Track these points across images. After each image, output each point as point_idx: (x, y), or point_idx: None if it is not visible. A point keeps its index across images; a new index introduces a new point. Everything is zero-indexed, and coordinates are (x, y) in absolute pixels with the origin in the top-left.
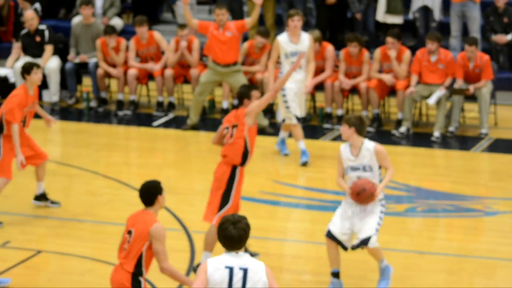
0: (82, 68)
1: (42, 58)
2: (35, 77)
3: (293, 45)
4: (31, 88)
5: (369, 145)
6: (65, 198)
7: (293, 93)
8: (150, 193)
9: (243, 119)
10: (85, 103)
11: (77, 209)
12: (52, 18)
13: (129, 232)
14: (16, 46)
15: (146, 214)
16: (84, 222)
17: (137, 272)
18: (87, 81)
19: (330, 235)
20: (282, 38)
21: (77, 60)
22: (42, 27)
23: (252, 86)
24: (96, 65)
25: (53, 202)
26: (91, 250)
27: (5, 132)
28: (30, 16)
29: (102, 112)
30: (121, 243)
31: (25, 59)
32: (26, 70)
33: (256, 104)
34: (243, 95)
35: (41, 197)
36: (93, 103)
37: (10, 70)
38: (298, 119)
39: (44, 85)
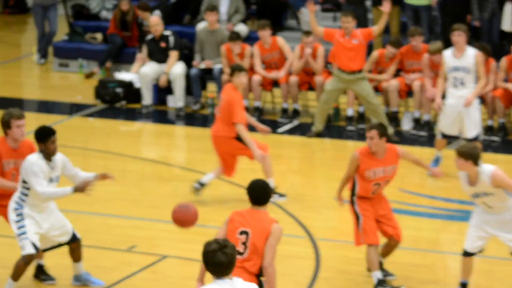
0: (207, 74)
1: (167, 64)
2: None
3: (456, 60)
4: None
5: (486, 171)
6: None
7: (452, 110)
8: (266, 192)
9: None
10: (210, 109)
11: (202, 214)
12: (177, 24)
13: (243, 233)
14: (141, 51)
15: (260, 213)
16: (209, 228)
17: (261, 274)
18: (212, 87)
19: (467, 254)
20: (447, 53)
21: (202, 66)
22: (167, 33)
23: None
24: (221, 71)
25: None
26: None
27: None
28: (155, 22)
29: None
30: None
31: (150, 65)
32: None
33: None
34: None
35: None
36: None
37: (135, 75)
38: (445, 135)
39: (169, 90)
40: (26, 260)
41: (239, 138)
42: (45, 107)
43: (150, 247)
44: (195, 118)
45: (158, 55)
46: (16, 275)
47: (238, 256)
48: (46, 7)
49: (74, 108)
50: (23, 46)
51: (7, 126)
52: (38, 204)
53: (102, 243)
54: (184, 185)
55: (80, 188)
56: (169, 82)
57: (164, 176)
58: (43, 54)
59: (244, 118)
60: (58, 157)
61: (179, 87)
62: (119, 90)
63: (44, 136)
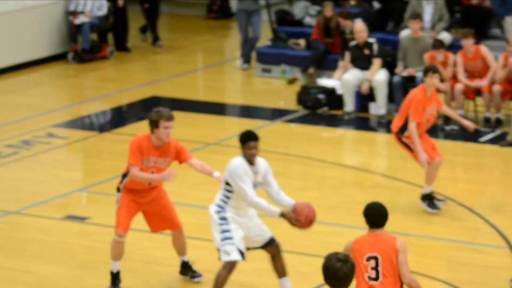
0: (409, 82)
1: (369, 71)
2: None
3: None
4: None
5: None
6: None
7: None
8: (383, 215)
9: None
10: None
11: (403, 223)
12: (380, 31)
13: (371, 258)
14: (344, 58)
15: (380, 235)
16: (410, 236)
17: None
18: None
19: None
20: None
21: (404, 74)
22: (371, 40)
23: None
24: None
25: (439, 200)
26: (413, 263)
27: None
28: (360, 28)
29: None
30: (361, 273)
31: (353, 72)
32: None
33: None
34: None
35: (426, 197)
36: None
37: (337, 82)
38: None
39: (371, 97)
40: (229, 268)
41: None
42: (247, 112)
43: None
44: None
45: (361, 62)
46: (219, 286)
47: (373, 282)
48: (250, 13)
49: (276, 114)
50: (226, 51)
51: (155, 124)
52: (240, 207)
53: (301, 248)
54: (384, 192)
55: (287, 217)
56: (371, 89)
57: (364, 183)
58: (246, 59)
59: (419, 118)
60: (262, 163)
61: (381, 94)
62: (321, 96)
63: (244, 140)
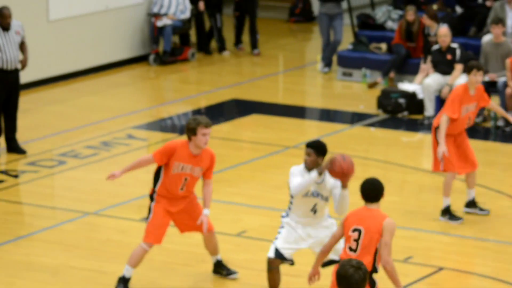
0: (490, 87)
1: (451, 76)
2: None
3: None
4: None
5: None
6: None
7: None
8: (377, 189)
9: None
10: (492, 121)
11: (478, 225)
12: (462, 36)
13: (356, 230)
14: (425, 62)
15: (372, 211)
16: (487, 241)
17: (373, 270)
18: (495, 100)
19: None
20: None
21: (486, 79)
22: (454, 45)
23: None
24: (505, 84)
25: (481, 209)
26: (492, 269)
27: None
28: (444, 33)
29: (510, 131)
30: (345, 243)
31: (434, 76)
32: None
33: None
34: None
35: (471, 204)
36: (500, 122)
37: (418, 86)
38: None
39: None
40: (268, 266)
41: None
42: (327, 115)
43: (426, 259)
44: (477, 131)
45: (443, 66)
46: (269, 284)
47: (350, 253)
48: (332, 16)
49: (356, 118)
50: (308, 54)
51: (193, 132)
52: (302, 215)
53: None
54: (463, 197)
55: (323, 168)
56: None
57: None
58: (327, 63)
59: (451, 113)
60: (328, 178)
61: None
62: (401, 100)
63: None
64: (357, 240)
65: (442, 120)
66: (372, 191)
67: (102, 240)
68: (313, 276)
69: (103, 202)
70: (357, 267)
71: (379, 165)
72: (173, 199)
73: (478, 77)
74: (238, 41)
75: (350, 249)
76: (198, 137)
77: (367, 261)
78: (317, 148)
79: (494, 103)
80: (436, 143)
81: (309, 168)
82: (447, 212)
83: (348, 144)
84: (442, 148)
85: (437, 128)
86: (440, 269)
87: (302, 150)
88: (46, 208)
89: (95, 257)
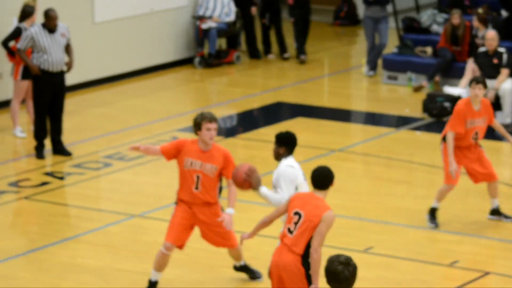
0: None
1: (496, 80)
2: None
3: None
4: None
5: None
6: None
7: None
8: (328, 177)
9: None
10: None
11: None
12: (508, 39)
13: (297, 214)
14: (470, 65)
15: (316, 199)
16: None
17: (307, 254)
18: None
19: None
20: None
21: None
22: (501, 49)
23: None
24: None
25: (506, 217)
26: None
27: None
28: (491, 36)
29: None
30: (286, 224)
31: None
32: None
33: None
34: None
35: (495, 212)
36: None
37: (463, 90)
38: None
39: (497, 106)
40: None
41: None
42: (372, 119)
43: (472, 263)
44: None
45: (489, 70)
46: None
47: (288, 234)
48: (377, 20)
49: (401, 121)
50: (353, 57)
51: (198, 127)
52: None
53: (424, 256)
54: (508, 202)
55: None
56: (497, 98)
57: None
58: (372, 66)
59: (455, 128)
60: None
61: (508, 103)
62: (447, 104)
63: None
64: (296, 223)
65: (448, 138)
66: (320, 178)
67: (147, 243)
68: (246, 239)
69: (149, 205)
70: (346, 263)
71: (424, 169)
72: (192, 204)
73: (477, 91)
74: (300, 51)
75: (289, 230)
76: (203, 132)
77: (301, 246)
78: (277, 138)
79: (497, 122)
80: (446, 154)
81: (275, 158)
82: (433, 213)
83: (393, 148)
84: (453, 166)
85: (444, 138)
86: (486, 273)
87: (347, 153)
88: (92, 210)
89: (140, 259)
